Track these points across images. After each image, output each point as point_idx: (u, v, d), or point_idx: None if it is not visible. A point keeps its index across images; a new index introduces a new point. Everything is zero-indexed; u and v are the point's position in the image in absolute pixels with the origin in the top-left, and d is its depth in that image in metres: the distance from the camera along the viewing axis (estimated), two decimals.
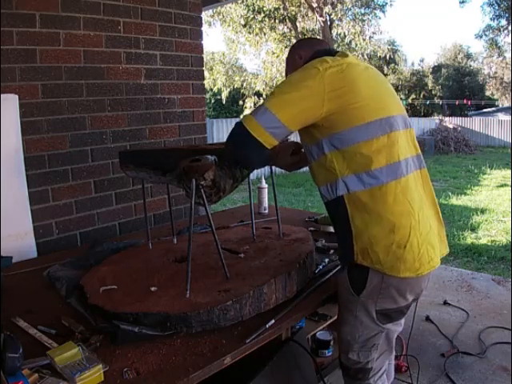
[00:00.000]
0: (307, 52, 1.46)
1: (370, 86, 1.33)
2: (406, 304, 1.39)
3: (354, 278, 1.37)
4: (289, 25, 13.93)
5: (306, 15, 13.68)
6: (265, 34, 13.96)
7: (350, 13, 13.84)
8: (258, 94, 15.67)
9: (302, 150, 1.58)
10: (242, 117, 1.35)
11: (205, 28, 10.00)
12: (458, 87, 23.37)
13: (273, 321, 1.36)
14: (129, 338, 1.25)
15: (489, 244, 4.80)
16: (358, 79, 1.31)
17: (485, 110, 20.62)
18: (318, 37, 13.90)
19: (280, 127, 1.27)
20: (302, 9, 13.58)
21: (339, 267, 1.80)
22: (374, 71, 1.42)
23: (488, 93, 24.43)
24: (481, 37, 18.39)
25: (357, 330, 1.41)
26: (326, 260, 1.85)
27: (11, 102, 2.04)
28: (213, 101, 20.19)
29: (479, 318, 2.84)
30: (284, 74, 1.63)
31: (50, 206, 2.24)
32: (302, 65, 1.39)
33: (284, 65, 1.65)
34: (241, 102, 18.09)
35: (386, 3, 14.95)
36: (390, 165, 1.30)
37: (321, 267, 1.78)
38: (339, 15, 13.32)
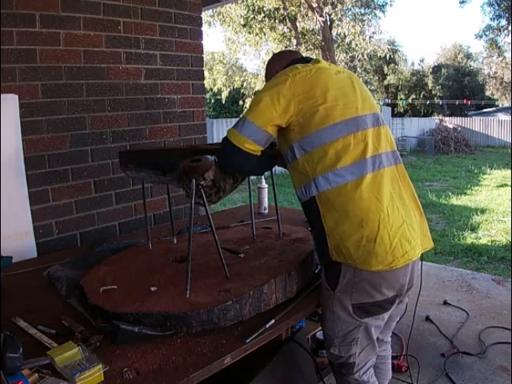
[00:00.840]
0: (283, 63, 1.54)
1: (339, 89, 1.41)
2: (385, 299, 1.40)
3: (328, 274, 1.43)
4: (289, 25, 13.92)
5: (306, 15, 13.67)
6: (265, 34, 13.95)
7: (349, 13, 13.84)
8: None
9: None
10: (226, 131, 1.45)
11: (205, 28, 9.99)
12: (458, 87, 23.36)
13: (273, 321, 1.36)
14: (129, 338, 1.25)
15: (489, 244, 4.81)
16: (326, 82, 1.40)
17: (485, 110, 20.62)
18: (318, 37, 13.91)
19: (260, 133, 1.38)
20: (302, 9, 13.57)
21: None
22: (345, 75, 1.49)
23: (488, 93, 24.43)
24: (481, 37, 18.42)
25: (335, 324, 1.45)
26: None
27: (11, 101, 2.04)
28: (213, 101, 20.20)
29: (479, 318, 2.84)
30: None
31: (50, 205, 2.24)
32: None
33: None
34: (241, 102, 18.09)
35: (386, 3, 15.01)
36: (355, 163, 1.35)
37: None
38: (339, 15, 13.31)
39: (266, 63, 1.67)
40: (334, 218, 1.35)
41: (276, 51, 14.05)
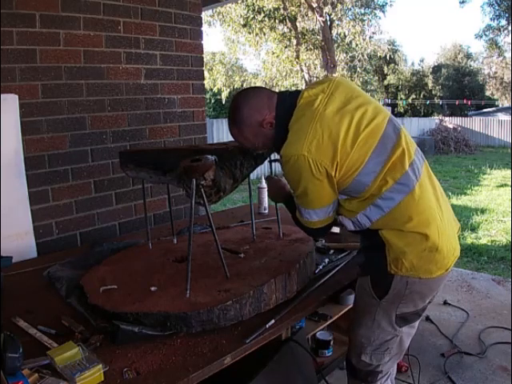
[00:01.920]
0: (267, 114, 1.38)
1: (351, 120, 1.30)
2: (423, 306, 1.42)
3: (376, 282, 1.39)
4: (289, 25, 13.91)
5: (306, 15, 13.66)
6: (265, 34, 13.93)
7: (350, 13, 13.84)
8: None
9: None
10: (300, 220, 1.46)
11: (205, 28, 9.98)
12: (458, 87, 23.35)
13: (273, 321, 1.36)
14: (129, 338, 1.25)
15: (489, 244, 4.80)
16: (337, 128, 1.28)
17: (485, 110, 20.60)
18: (318, 37, 13.90)
19: (330, 206, 1.38)
20: (301, 9, 13.56)
21: (339, 266, 1.81)
22: (343, 96, 1.35)
23: (488, 93, 24.41)
24: (481, 37, 18.40)
25: (373, 333, 1.42)
26: (326, 260, 1.86)
27: (11, 101, 2.04)
28: (213, 101, 20.21)
29: (479, 318, 2.84)
30: (241, 138, 1.44)
31: (50, 206, 2.24)
32: (272, 133, 1.38)
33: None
34: None
35: (386, 3, 14.97)
36: (399, 179, 1.31)
37: (321, 267, 1.78)
38: (339, 15, 13.31)
39: (235, 111, 1.41)
40: (395, 234, 1.32)
41: (276, 51, 14.10)
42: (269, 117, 1.38)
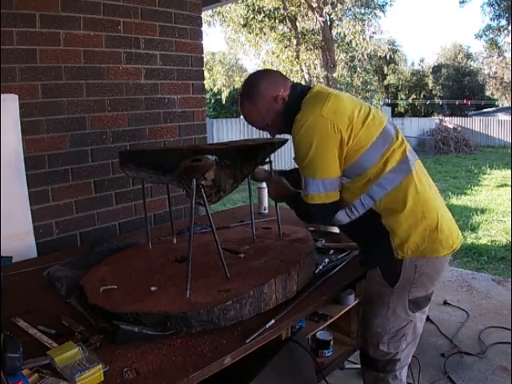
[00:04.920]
0: (282, 90, 1.47)
1: (359, 105, 1.44)
2: (432, 290, 1.50)
3: (386, 270, 1.45)
4: (289, 25, 13.91)
5: (306, 15, 13.66)
6: (265, 34, 13.94)
7: (349, 13, 13.83)
8: None
9: None
10: (304, 197, 1.45)
11: (205, 28, 9.96)
12: (458, 87, 23.36)
13: (273, 321, 1.36)
14: (129, 338, 1.25)
15: (489, 244, 4.80)
16: (350, 106, 1.41)
17: (485, 110, 20.61)
18: (318, 37, 13.89)
19: (335, 181, 1.41)
20: (301, 9, 13.56)
21: (339, 266, 1.81)
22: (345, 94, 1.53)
23: (488, 93, 24.41)
24: (481, 37, 18.42)
25: (388, 321, 1.48)
26: (326, 260, 1.86)
27: (11, 101, 2.04)
28: (213, 101, 20.22)
29: (479, 318, 2.84)
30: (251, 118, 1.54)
31: (50, 206, 2.24)
32: (283, 108, 1.47)
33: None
34: None
35: (386, 3, 14.97)
36: (400, 161, 1.41)
37: (321, 267, 1.78)
38: (339, 15, 13.31)
39: (248, 96, 1.49)
40: (397, 219, 1.39)
41: (276, 51, 14.11)
42: (283, 93, 1.47)
